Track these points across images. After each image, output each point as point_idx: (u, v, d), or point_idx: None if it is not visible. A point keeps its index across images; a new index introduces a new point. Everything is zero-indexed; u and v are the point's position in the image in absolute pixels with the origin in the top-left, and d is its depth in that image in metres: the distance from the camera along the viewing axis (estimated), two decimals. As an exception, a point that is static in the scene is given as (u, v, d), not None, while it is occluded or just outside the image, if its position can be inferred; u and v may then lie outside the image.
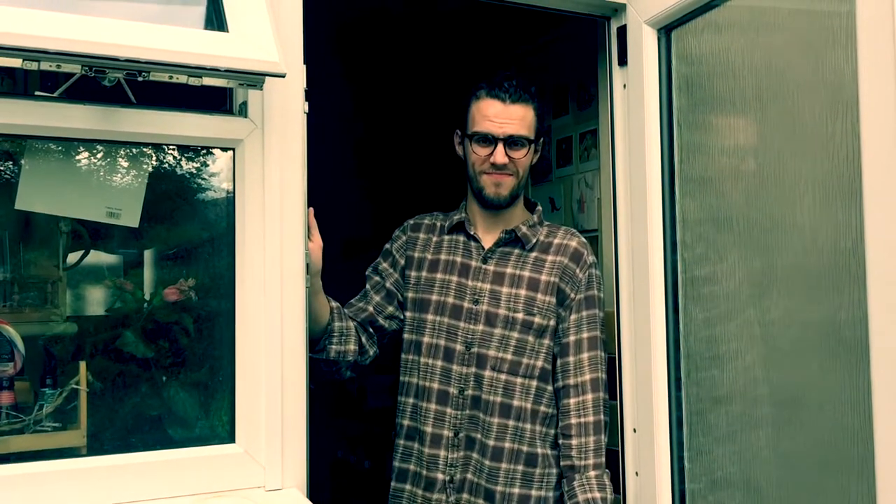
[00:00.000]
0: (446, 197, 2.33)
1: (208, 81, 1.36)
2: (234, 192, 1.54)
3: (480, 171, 1.87)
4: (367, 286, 2.00)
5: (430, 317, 1.91)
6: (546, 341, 1.87)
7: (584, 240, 1.95)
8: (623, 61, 2.00)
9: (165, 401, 1.55)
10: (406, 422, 1.93)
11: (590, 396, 1.85)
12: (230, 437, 1.52)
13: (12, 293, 1.48)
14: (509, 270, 1.89)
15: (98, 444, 1.46)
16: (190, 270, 1.60)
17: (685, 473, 1.84)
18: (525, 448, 1.84)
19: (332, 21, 3.75)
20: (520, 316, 1.85)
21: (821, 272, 1.48)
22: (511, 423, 1.84)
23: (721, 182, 1.76)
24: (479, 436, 1.84)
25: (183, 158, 1.59)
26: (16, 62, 1.23)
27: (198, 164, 1.60)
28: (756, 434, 1.66)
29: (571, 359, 1.87)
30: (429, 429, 1.87)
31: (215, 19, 1.41)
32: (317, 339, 1.82)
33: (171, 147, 1.56)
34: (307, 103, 1.58)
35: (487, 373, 1.84)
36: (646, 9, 1.89)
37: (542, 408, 1.87)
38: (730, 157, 1.75)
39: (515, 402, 1.84)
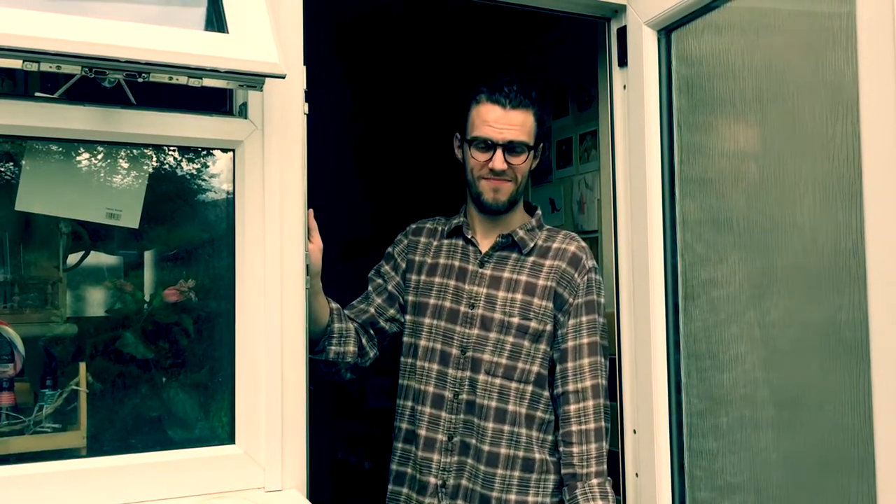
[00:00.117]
0: (446, 198, 2.33)
1: (208, 82, 1.36)
2: (234, 193, 1.54)
3: (479, 176, 1.86)
4: (369, 288, 2.00)
5: (427, 320, 1.91)
6: (542, 346, 1.85)
7: (583, 244, 1.93)
8: (623, 62, 2.00)
9: (165, 402, 1.55)
10: (404, 425, 1.93)
11: (591, 403, 1.82)
12: (230, 438, 1.52)
13: (12, 294, 1.48)
14: (506, 274, 1.88)
15: (98, 445, 1.46)
16: (190, 271, 1.60)
17: (685, 474, 1.84)
18: (521, 453, 1.82)
19: (332, 21, 3.75)
20: (515, 320, 1.84)
21: (821, 273, 1.48)
22: (506, 427, 1.82)
23: (721, 183, 1.76)
24: (473, 441, 1.83)
25: (183, 159, 1.59)
26: (16, 63, 1.23)
27: (198, 166, 1.60)
28: (756, 435, 1.66)
29: (570, 364, 1.84)
30: (423, 432, 1.87)
31: (215, 20, 1.41)
32: (316, 340, 1.81)
33: (171, 148, 1.56)
34: (307, 104, 1.58)
35: (482, 377, 1.83)
36: (646, 10, 1.89)
37: (539, 413, 1.85)
38: (730, 158, 1.75)
39: (510, 407, 1.83)
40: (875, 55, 1.29)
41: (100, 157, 1.51)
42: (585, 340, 1.85)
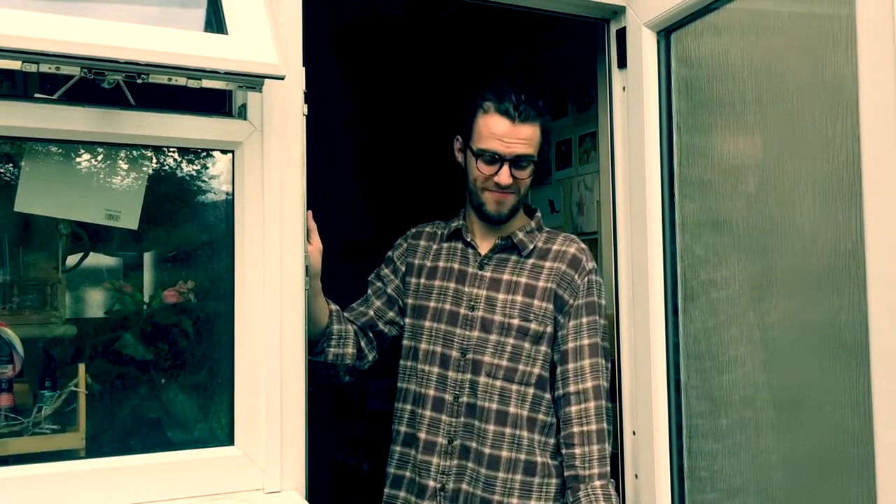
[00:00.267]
0: (446, 199, 2.33)
1: (207, 84, 1.36)
2: (233, 195, 1.54)
3: (483, 187, 1.85)
4: (369, 291, 1.99)
5: (427, 323, 1.90)
6: (543, 348, 1.85)
7: (583, 246, 1.92)
8: (622, 64, 2.00)
9: (164, 403, 1.55)
10: (403, 428, 1.92)
11: (592, 404, 1.81)
12: (229, 440, 1.52)
13: (12, 295, 1.48)
14: (506, 277, 1.88)
15: (97, 447, 1.45)
16: (189, 273, 1.60)
17: (685, 476, 1.84)
18: (523, 456, 1.81)
19: (332, 23, 3.75)
20: (515, 322, 1.83)
21: (821, 274, 1.47)
22: (508, 430, 1.81)
23: (721, 184, 1.75)
24: (474, 444, 1.82)
25: (182, 161, 1.59)
26: (15, 64, 1.23)
27: (197, 167, 1.60)
28: (756, 436, 1.65)
29: (571, 366, 1.83)
30: (423, 435, 1.86)
31: (214, 21, 1.41)
32: (315, 342, 1.81)
33: (171, 149, 1.56)
34: (306, 105, 1.58)
35: (482, 379, 1.83)
36: (645, 11, 1.90)
37: (541, 416, 1.84)
38: (729, 159, 1.75)
39: (511, 409, 1.82)
40: (875, 57, 1.29)
41: (99, 158, 1.51)
42: (586, 342, 1.85)
